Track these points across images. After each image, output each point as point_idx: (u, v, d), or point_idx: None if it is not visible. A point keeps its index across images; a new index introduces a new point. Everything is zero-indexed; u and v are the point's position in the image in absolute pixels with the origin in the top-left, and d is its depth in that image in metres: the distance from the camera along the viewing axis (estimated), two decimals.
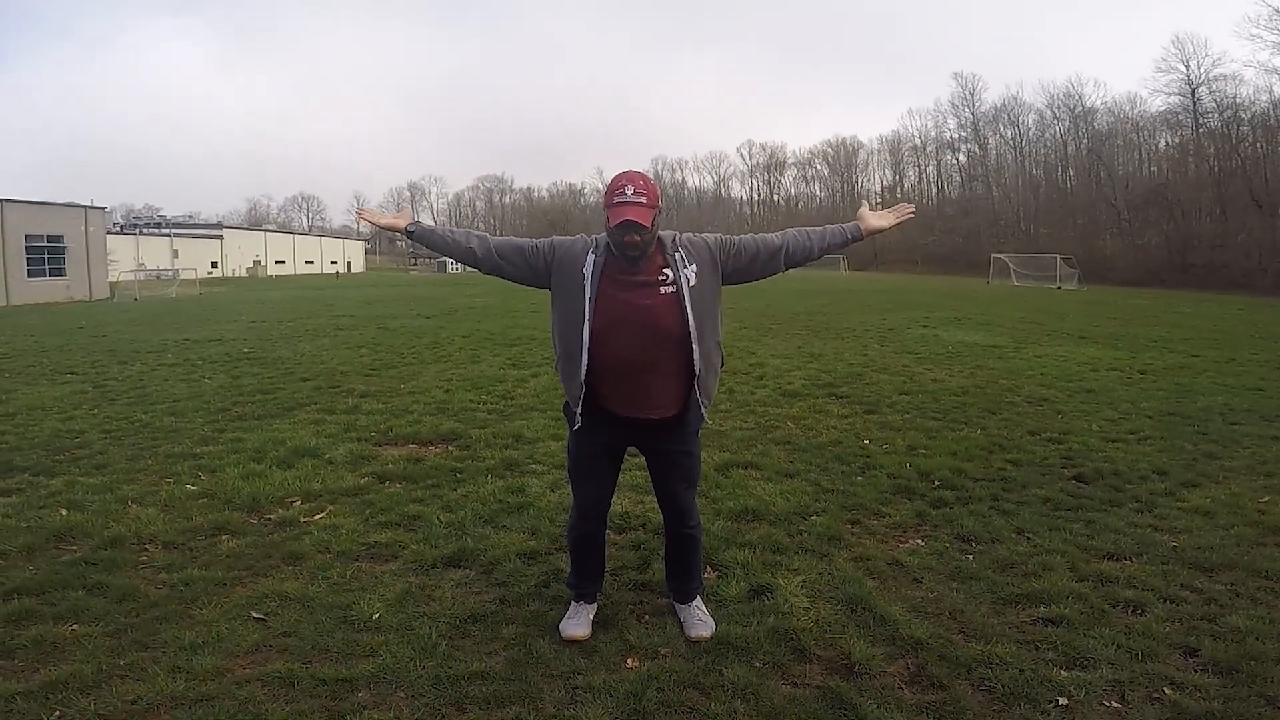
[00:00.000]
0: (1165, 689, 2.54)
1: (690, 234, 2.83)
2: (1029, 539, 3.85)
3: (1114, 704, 2.48)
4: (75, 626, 2.96)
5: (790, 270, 2.89)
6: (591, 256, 2.70)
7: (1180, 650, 2.79)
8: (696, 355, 2.67)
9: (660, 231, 2.75)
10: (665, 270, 2.69)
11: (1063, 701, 2.48)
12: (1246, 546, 3.73)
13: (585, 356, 2.66)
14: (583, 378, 2.69)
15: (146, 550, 3.73)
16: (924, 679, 2.63)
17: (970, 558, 3.64)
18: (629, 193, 2.60)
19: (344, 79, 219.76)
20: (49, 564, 3.55)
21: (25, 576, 3.40)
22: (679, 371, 2.70)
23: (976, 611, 3.08)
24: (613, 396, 2.75)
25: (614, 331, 2.65)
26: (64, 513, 4.22)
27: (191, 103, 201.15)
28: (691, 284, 2.68)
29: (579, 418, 2.77)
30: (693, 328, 2.66)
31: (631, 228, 2.58)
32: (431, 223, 2.92)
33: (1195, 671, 2.65)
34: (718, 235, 2.87)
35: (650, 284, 2.67)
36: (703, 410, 2.78)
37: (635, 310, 2.64)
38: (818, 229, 2.91)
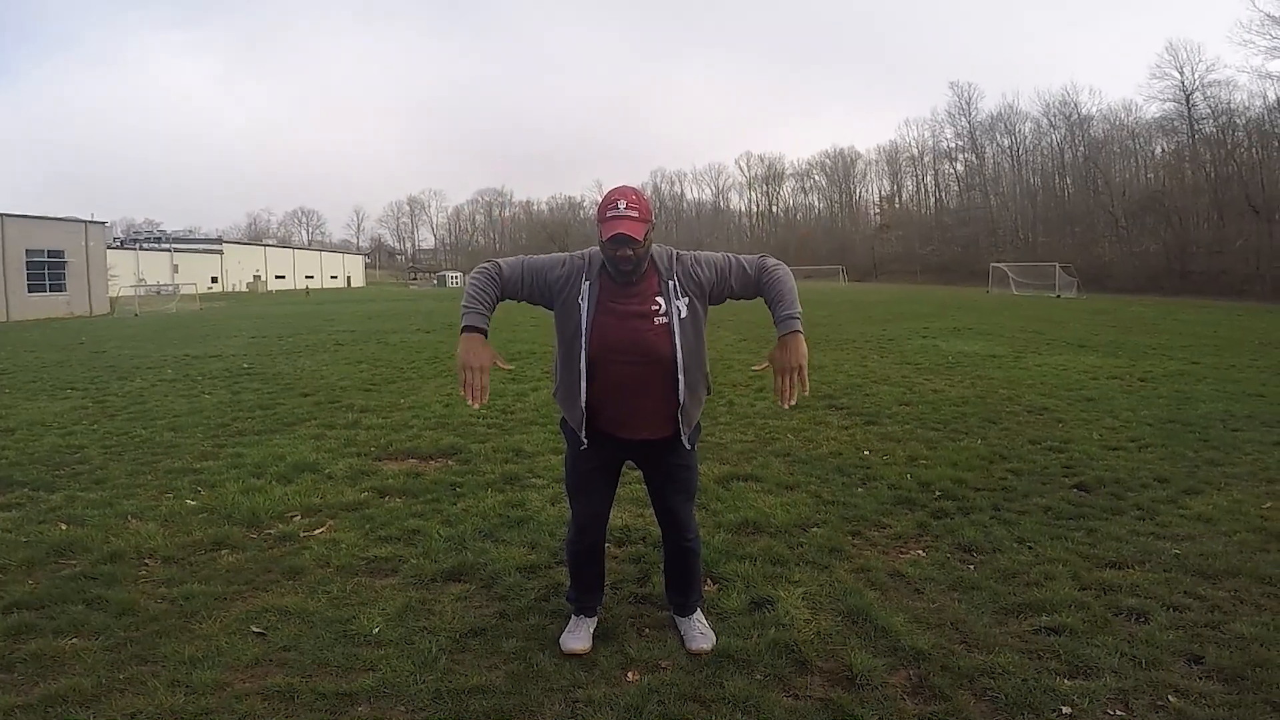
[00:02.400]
0: (1169, 697, 2.53)
1: (690, 258, 2.79)
2: (1030, 548, 3.84)
3: (1118, 712, 2.47)
4: (75, 640, 2.96)
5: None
6: (586, 284, 2.70)
7: (1184, 658, 2.78)
8: (682, 386, 2.68)
9: (657, 248, 2.75)
10: (659, 299, 2.69)
11: (1066, 711, 2.47)
12: (1249, 553, 3.72)
13: (584, 384, 2.69)
14: (583, 405, 2.71)
15: (146, 565, 3.73)
16: (926, 690, 2.62)
17: (972, 568, 3.63)
18: (621, 207, 2.61)
19: (344, 93, 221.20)
20: (49, 578, 3.54)
21: (25, 591, 3.39)
22: (668, 398, 2.71)
23: (978, 621, 3.07)
24: (608, 419, 2.77)
25: (609, 359, 2.67)
26: (64, 527, 4.22)
27: (192, 117, 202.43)
28: (682, 316, 2.69)
29: (583, 439, 2.79)
30: (680, 360, 2.67)
31: (623, 241, 2.59)
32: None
33: (1199, 679, 2.64)
34: (714, 265, 2.78)
35: (644, 314, 2.67)
36: (683, 437, 2.79)
37: (629, 340, 2.66)
38: (781, 290, 2.72)
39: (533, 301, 2.81)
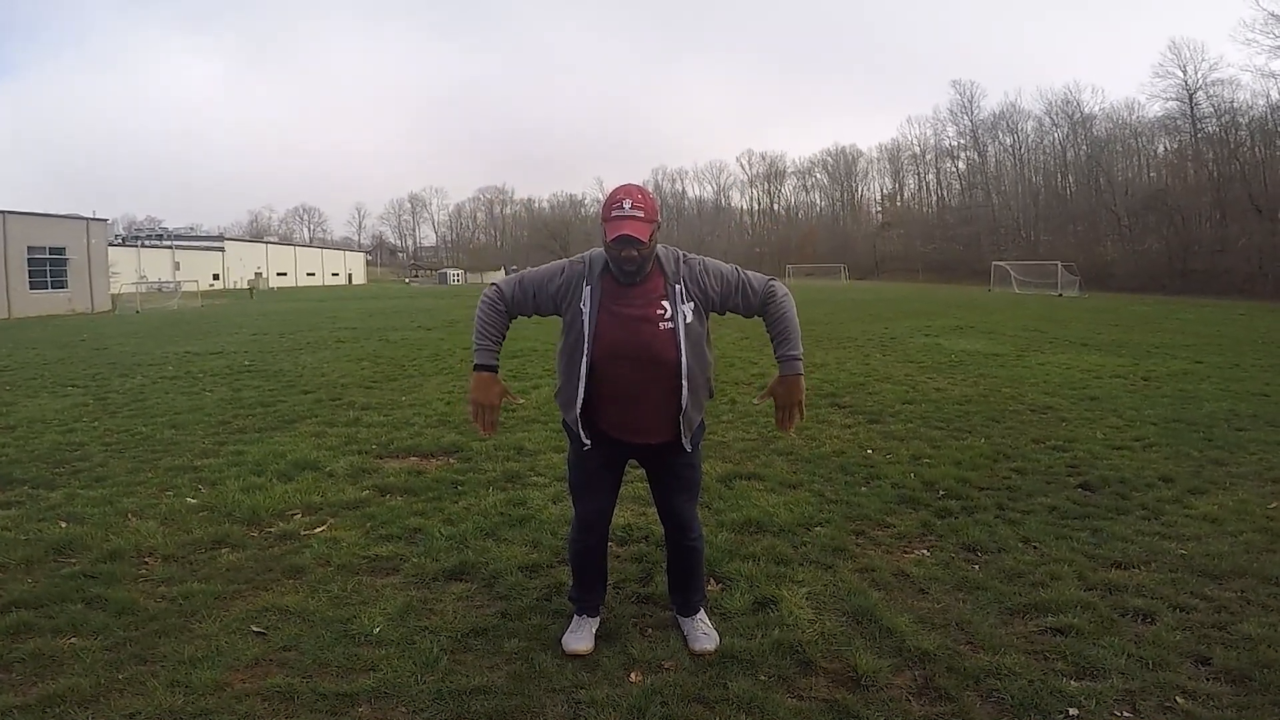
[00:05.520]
0: (1177, 698, 2.51)
1: (699, 264, 2.75)
2: (1036, 548, 3.82)
3: (1125, 714, 2.45)
4: (74, 640, 2.94)
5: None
6: (587, 289, 2.66)
7: (1191, 659, 2.76)
8: (685, 391, 2.66)
9: (663, 249, 2.71)
10: (664, 303, 2.65)
11: (1073, 712, 2.45)
12: (1256, 553, 3.70)
13: (582, 389, 2.66)
14: (578, 410, 2.69)
15: (146, 563, 3.71)
16: (931, 691, 2.60)
17: (976, 568, 3.60)
18: (626, 207, 2.56)
19: (346, 92, 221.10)
20: (48, 577, 3.52)
21: (24, 589, 3.37)
22: (670, 402, 2.69)
23: (984, 622, 3.05)
24: (608, 422, 2.75)
25: (611, 363, 2.64)
26: (63, 525, 4.20)
27: (194, 116, 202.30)
28: (687, 321, 2.66)
29: (585, 440, 2.77)
30: (684, 366, 2.64)
31: (628, 243, 2.55)
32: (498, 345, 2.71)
33: (1207, 680, 2.62)
34: (722, 277, 2.75)
35: (649, 319, 2.64)
36: (683, 441, 2.77)
37: (634, 344, 2.63)
38: (786, 328, 2.77)
39: (543, 314, 2.79)
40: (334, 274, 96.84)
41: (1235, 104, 47.67)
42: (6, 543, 3.94)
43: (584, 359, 2.64)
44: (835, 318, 20.15)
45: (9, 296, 31.09)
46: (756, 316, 2.82)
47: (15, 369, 11.59)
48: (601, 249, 2.71)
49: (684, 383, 2.65)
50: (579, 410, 2.69)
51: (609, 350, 2.63)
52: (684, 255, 2.76)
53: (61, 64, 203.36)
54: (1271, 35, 40.01)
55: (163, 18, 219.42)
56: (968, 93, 79.81)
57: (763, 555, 3.71)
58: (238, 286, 71.54)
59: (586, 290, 2.66)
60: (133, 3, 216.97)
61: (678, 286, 2.66)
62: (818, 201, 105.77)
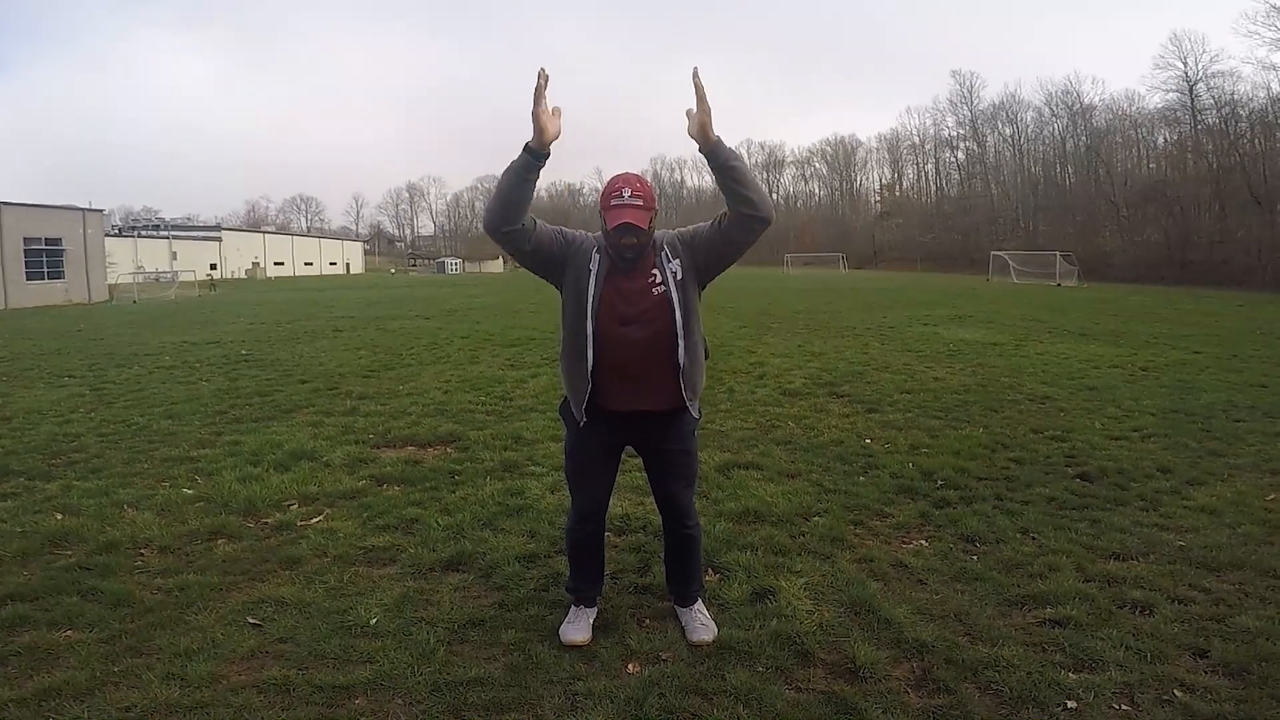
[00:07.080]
0: (1175, 691, 2.51)
1: (673, 232, 2.82)
2: (1034, 539, 3.81)
3: (1123, 706, 2.44)
4: (69, 632, 2.92)
5: (755, 218, 2.61)
6: (596, 257, 2.72)
7: (1190, 651, 2.76)
8: (682, 350, 2.69)
9: (658, 232, 2.78)
10: (654, 271, 2.71)
11: (1071, 705, 2.44)
12: (1254, 545, 3.69)
13: (591, 357, 2.68)
14: (589, 370, 2.70)
15: (142, 555, 3.69)
16: (930, 682, 2.59)
17: (975, 558, 3.60)
18: (626, 195, 2.62)
19: (343, 83, 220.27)
20: (43, 569, 3.51)
21: (19, 582, 3.36)
22: (673, 368, 2.71)
23: (982, 613, 3.04)
24: (614, 394, 2.76)
25: (614, 333, 2.68)
26: (59, 517, 4.18)
27: (191, 106, 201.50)
28: (679, 278, 2.70)
29: (582, 415, 2.77)
30: (679, 325, 2.68)
31: (629, 230, 2.61)
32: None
33: (1205, 673, 2.61)
34: (697, 226, 2.79)
35: (645, 288, 2.70)
36: (688, 405, 2.77)
37: (633, 313, 2.68)
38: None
39: (546, 248, 2.72)
40: (331, 263, 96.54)
41: (1236, 96, 47.67)
42: (2, 535, 3.92)
43: (589, 322, 2.66)
44: (833, 307, 20.10)
45: (5, 287, 30.94)
46: (726, 222, 2.69)
47: (11, 360, 11.54)
48: (601, 235, 2.76)
49: (681, 342, 2.68)
50: (590, 368, 2.68)
51: (611, 319, 2.67)
52: (668, 231, 2.82)
53: (57, 60, 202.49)
54: (1273, 28, 39.96)
55: (158, 12, 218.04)
56: (967, 83, 79.91)
57: (761, 545, 3.70)
58: (235, 276, 71.26)
59: (596, 258, 2.72)
60: None
61: (664, 252, 2.73)
62: (817, 191, 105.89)
